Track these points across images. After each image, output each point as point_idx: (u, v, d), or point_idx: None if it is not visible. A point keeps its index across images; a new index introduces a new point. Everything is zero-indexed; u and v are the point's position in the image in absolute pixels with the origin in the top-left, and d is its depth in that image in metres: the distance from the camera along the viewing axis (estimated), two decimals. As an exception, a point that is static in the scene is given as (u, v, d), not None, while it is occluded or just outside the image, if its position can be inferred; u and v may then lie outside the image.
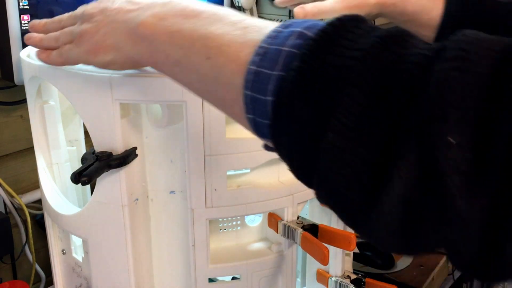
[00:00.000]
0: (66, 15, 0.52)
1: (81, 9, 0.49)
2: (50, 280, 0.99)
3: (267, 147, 0.37)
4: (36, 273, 0.97)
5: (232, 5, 1.09)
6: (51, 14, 0.80)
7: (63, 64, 0.50)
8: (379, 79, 0.28)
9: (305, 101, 0.30)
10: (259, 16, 1.14)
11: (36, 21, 0.53)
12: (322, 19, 0.94)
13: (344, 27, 0.31)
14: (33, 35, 0.52)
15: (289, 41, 0.32)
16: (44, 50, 0.51)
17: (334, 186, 0.30)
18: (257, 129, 0.35)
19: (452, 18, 0.75)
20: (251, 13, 1.10)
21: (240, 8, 1.08)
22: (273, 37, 0.34)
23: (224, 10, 0.39)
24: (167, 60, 0.40)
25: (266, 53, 0.33)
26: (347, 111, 0.28)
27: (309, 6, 0.73)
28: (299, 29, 0.33)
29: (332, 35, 0.31)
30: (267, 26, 0.35)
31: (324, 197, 0.32)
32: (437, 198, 0.26)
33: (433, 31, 0.76)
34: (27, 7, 0.77)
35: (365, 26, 0.32)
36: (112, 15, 0.45)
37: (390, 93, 0.28)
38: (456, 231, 0.27)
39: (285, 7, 1.13)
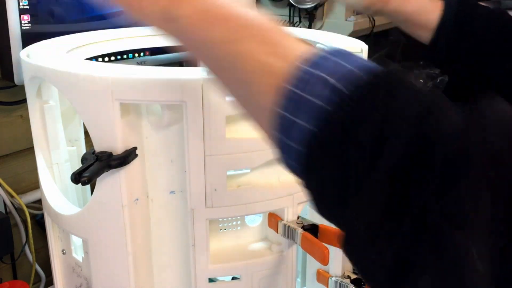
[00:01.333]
0: None
1: None
2: (50, 280, 0.99)
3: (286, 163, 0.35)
4: (36, 273, 0.97)
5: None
6: (51, 14, 0.80)
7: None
8: (414, 157, 0.27)
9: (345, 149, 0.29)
10: (259, 16, 1.14)
11: None
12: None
13: (382, 92, 0.29)
14: None
15: (322, 91, 0.30)
16: None
17: (362, 259, 0.31)
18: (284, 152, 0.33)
19: (449, 21, 0.78)
20: (251, 13, 1.10)
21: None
22: (305, 80, 0.32)
23: (256, 19, 0.37)
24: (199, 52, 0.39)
25: (299, 101, 0.31)
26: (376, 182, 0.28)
27: None
28: (331, 80, 0.30)
29: (371, 101, 0.29)
30: (296, 49, 0.34)
31: (349, 254, 0.32)
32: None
33: (430, 33, 0.80)
34: (27, 7, 0.77)
35: (404, 90, 0.30)
36: None
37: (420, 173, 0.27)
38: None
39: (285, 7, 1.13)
